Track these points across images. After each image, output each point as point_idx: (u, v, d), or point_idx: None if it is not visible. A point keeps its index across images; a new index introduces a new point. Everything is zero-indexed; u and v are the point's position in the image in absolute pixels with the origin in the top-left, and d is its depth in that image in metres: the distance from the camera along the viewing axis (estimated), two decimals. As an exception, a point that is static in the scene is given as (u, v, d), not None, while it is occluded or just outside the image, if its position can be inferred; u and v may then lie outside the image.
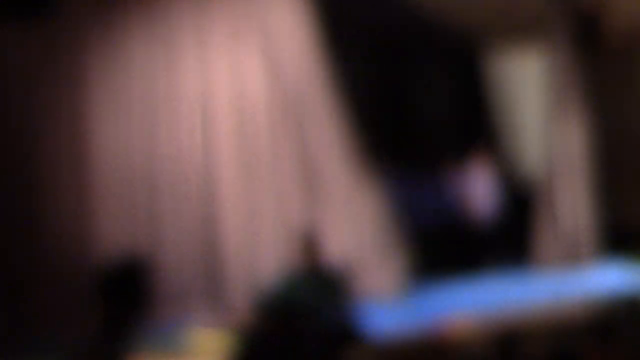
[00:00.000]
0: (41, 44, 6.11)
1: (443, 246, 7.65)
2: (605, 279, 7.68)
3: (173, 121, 6.25)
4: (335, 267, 4.44)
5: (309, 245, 4.43)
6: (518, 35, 10.22)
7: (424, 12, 8.28)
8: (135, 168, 6.10)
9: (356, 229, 6.39)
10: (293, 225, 6.03)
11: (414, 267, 6.83)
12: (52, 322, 5.29)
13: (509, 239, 9.42)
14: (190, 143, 6.21)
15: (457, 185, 8.36)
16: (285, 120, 6.15)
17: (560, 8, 8.98)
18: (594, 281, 7.66)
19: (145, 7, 6.18)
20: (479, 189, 8.69)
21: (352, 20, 7.60)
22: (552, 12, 9.01)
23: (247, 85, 6.13)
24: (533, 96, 11.37)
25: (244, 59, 6.16)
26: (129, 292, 2.54)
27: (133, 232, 5.97)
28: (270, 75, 6.12)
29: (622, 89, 10.76)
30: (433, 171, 8.68)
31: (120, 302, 2.52)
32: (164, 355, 4.98)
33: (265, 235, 6.54)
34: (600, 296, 6.44)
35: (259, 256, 6.71)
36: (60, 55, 6.12)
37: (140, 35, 6.23)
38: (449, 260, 7.89)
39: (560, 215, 9.47)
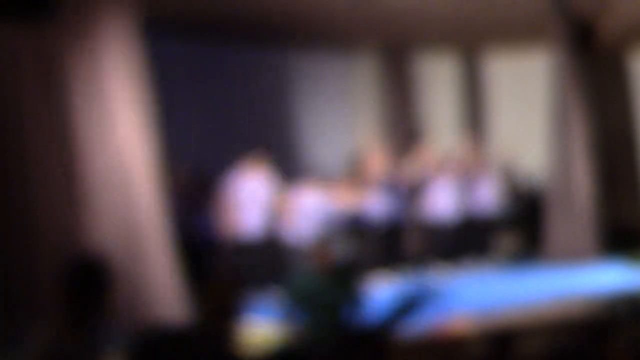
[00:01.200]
0: (37, 46, 6.11)
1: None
2: (606, 278, 7.67)
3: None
4: (346, 267, 4.48)
5: (322, 248, 4.49)
6: (517, 37, 10.27)
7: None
8: (115, 171, 6.10)
9: None
10: None
11: None
12: (33, 318, 5.29)
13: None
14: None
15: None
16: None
17: (559, 13, 9.07)
18: (594, 280, 7.66)
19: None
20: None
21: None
22: (551, 16, 9.09)
23: None
24: (536, 97, 11.41)
25: None
26: (89, 293, 2.55)
27: (114, 235, 5.97)
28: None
29: (612, 90, 10.93)
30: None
31: (81, 301, 2.53)
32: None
33: None
34: (600, 295, 6.43)
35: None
36: (52, 57, 6.12)
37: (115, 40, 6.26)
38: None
39: (561, 214, 9.50)
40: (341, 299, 4.20)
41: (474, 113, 11.42)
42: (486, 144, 11.39)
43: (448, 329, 5.16)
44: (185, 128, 8.36)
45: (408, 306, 4.02)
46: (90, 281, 2.57)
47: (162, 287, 6.05)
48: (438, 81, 11.39)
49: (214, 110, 9.01)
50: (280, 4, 8.18)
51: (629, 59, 10.91)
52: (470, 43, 10.63)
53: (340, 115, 10.42)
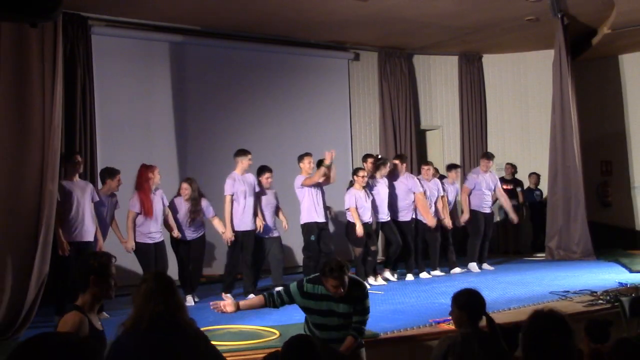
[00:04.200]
0: None
1: None
2: (605, 277, 7.70)
3: None
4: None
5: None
6: (516, 38, 10.32)
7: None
8: None
9: None
10: None
11: None
12: None
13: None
14: None
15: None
16: None
17: (557, 14, 9.14)
18: (593, 278, 7.68)
19: None
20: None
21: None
22: (550, 17, 9.16)
23: None
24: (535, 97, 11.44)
25: None
26: None
27: None
28: None
29: (608, 91, 11.01)
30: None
31: None
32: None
33: None
34: (600, 293, 6.46)
35: None
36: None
37: None
38: None
39: (560, 212, 9.54)
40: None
41: (474, 113, 11.44)
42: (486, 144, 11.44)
43: (446, 325, 5.19)
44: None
45: None
46: None
47: None
48: (438, 80, 11.42)
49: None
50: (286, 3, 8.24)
51: (625, 60, 11.01)
52: (471, 43, 10.66)
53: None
